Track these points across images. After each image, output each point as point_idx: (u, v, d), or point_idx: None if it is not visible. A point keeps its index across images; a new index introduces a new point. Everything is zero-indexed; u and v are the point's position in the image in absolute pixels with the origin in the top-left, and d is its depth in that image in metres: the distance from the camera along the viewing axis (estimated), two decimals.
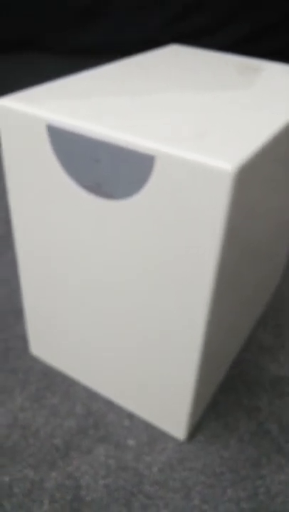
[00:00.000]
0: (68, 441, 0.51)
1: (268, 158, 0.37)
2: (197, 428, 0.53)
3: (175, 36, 1.10)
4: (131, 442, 0.51)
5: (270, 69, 0.55)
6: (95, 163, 0.37)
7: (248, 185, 0.34)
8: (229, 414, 0.55)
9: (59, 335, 0.54)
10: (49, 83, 0.46)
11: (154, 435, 0.52)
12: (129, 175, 0.36)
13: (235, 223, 0.35)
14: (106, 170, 0.37)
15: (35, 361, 0.60)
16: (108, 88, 0.44)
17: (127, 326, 0.46)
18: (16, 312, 0.67)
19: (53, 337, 0.55)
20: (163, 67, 0.52)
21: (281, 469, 0.49)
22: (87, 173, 0.38)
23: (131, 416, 0.54)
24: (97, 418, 0.53)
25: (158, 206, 0.36)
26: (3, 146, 0.42)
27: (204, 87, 0.46)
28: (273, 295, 0.73)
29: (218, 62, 0.56)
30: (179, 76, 0.49)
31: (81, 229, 0.42)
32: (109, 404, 0.55)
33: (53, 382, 0.57)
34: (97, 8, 1.09)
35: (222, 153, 0.32)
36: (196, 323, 0.40)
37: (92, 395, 0.56)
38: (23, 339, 0.63)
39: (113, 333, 0.48)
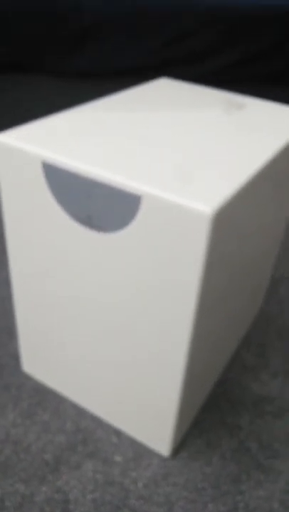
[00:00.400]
0: (58, 457, 0.53)
1: (246, 198, 0.40)
2: (181, 445, 0.55)
3: (168, 61, 1.15)
4: (118, 458, 0.53)
5: (254, 107, 0.58)
6: (86, 198, 0.40)
7: (227, 224, 0.38)
8: (212, 432, 0.57)
9: (50, 353, 0.57)
10: (44, 119, 0.49)
11: (139, 451, 0.54)
12: (118, 211, 0.39)
13: (214, 258, 0.38)
14: (96, 205, 0.40)
15: (27, 378, 0.62)
16: (100, 126, 0.48)
17: (114, 348, 0.48)
18: (9, 330, 0.69)
19: (45, 355, 0.58)
20: (153, 104, 0.56)
21: (260, 485, 0.52)
22: (79, 207, 0.41)
23: (118, 433, 0.56)
24: (85, 434, 0.56)
25: (144, 240, 0.39)
26: (0, 179, 0.46)
27: (190, 127, 0.49)
28: (256, 316, 0.76)
29: (204, 99, 0.59)
30: (168, 114, 0.53)
31: (73, 257, 0.45)
32: (98, 421, 0.57)
33: (44, 399, 0.60)
34: (94, 32, 1.13)
35: (202, 196, 0.36)
36: (179, 346, 0.43)
37: (81, 412, 0.58)
38: (15, 357, 0.65)
39: (101, 353, 0.50)
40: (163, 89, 0.62)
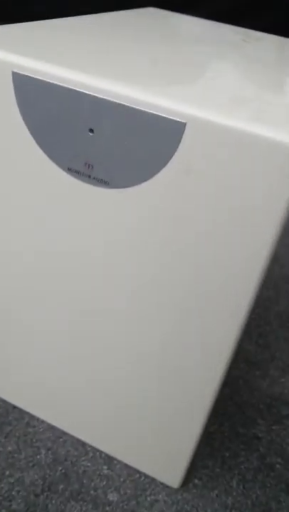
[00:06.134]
0: (32, 504, 0.39)
1: None
2: (191, 468, 0.43)
3: None
4: (112, 496, 0.40)
5: (269, 39, 0.46)
6: (85, 135, 0.26)
7: None
8: (225, 447, 0.46)
9: (16, 361, 0.42)
10: (22, 24, 0.33)
11: (140, 484, 0.41)
12: (140, 152, 0.25)
13: None
14: (103, 145, 0.26)
15: None
16: (94, 37, 0.33)
17: (117, 357, 0.35)
18: None
19: (8, 363, 0.43)
20: (146, 26, 0.42)
21: None
22: (72, 150, 0.27)
23: (109, 460, 0.43)
24: (66, 467, 0.42)
25: (181, 197, 0.25)
26: None
27: (213, 53, 0.36)
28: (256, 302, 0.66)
29: (214, 28, 0.46)
30: (176, 39, 0.39)
31: (59, 228, 0.30)
32: (81, 446, 0.44)
33: (6, 421, 0.45)
34: None
35: (275, 123, 0.23)
36: (220, 354, 0.30)
37: (58, 436, 0.44)
38: None
39: (93, 361, 0.37)
40: (153, 17, 0.48)
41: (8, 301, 0.37)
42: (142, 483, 0.42)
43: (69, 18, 0.38)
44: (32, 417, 0.45)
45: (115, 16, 0.42)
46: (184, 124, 0.23)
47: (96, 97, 0.24)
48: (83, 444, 0.44)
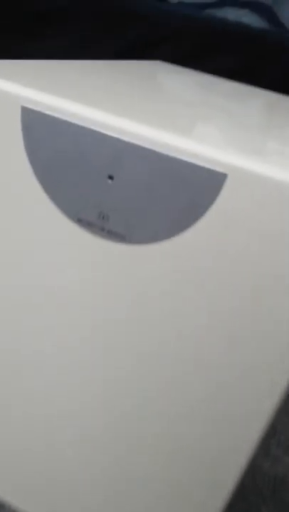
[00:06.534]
0: None
1: None
2: None
3: None
4: None
5: (269, 96, 0.45)
6: (102, 182, 0.22)
7: None
8: None
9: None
10: (33, 61, 0.30)
11: None
12: (167, 205, 0.21)
13: None
14: (123, 194, 0.22)
15: None
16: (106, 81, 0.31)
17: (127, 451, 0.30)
18: None
19: None
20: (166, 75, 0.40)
21: None
22: (84, 198, 0.23)
23: None
24: None
25: (213, 257, 0.22)
26: None
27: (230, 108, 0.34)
28: None
29: (215, 85, 0.45)
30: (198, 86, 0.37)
31: (65, 283, 0.26)
32: None
33: None
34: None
35: None
36: (250, 436, 0.26)
37: None
38: None
39: (91, 453, 0.31)
40: (159, 70, 0.46)
41: None
42: None
43: (79, 60, 0.35)
44: (4, 506, 0.38)
45: (124, 65, 0.40)
46: (225, 176, 0.20)
47: (121, 140, 0.21)
48: None
